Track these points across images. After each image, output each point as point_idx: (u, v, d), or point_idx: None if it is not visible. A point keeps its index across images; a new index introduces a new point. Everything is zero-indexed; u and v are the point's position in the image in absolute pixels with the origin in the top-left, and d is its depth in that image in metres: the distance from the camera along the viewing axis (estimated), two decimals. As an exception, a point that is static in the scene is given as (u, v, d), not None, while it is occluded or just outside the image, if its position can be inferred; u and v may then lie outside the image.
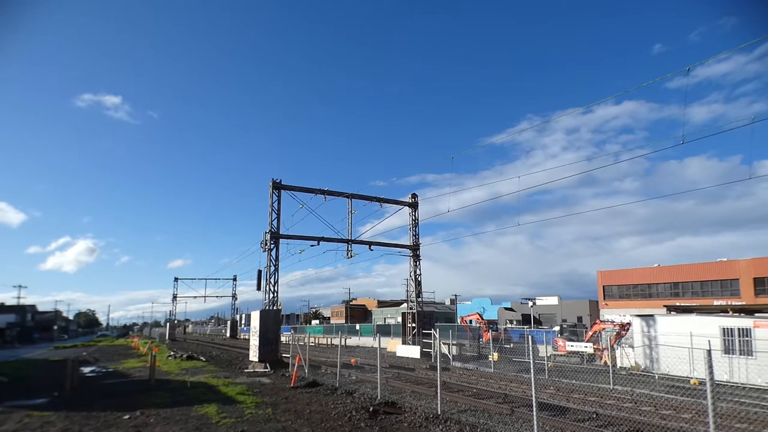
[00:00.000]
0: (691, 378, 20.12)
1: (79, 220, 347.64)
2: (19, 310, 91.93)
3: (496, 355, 27.88)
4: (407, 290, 37.66)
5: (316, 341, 57.77)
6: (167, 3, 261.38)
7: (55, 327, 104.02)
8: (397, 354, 35.03)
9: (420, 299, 36.11)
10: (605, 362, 25.17)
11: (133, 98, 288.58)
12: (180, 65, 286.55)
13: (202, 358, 33.51)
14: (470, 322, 39.51)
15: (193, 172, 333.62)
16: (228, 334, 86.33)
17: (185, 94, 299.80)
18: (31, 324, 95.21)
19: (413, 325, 35.22)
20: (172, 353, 36.93)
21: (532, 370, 9.48)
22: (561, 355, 29.64)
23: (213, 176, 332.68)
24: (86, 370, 25.68)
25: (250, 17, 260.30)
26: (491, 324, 38.86)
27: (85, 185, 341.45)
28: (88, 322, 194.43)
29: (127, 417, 12.20)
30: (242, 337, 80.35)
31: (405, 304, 48.62)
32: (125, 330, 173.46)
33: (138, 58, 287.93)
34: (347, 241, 33.58)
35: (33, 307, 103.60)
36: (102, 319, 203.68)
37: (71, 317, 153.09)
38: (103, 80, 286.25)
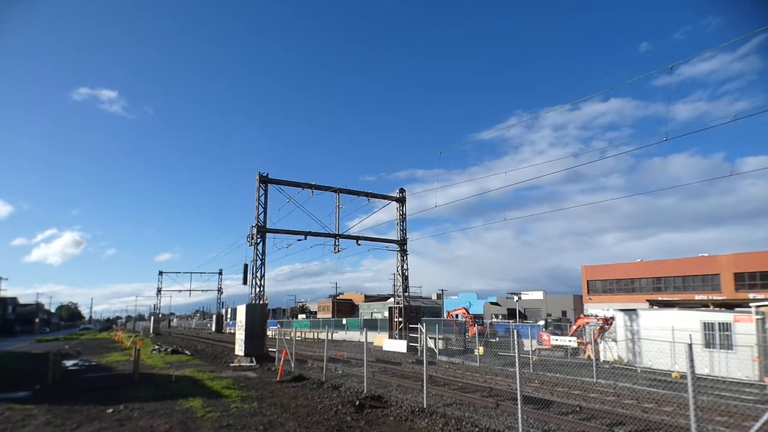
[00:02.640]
0: (673, 371, 20.46)
1: (68, 213, 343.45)
2: (0, 302, 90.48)
3: (481, 349, 28.07)
4: (394, 285, 37.78)
5: (303, 335, 57.71)
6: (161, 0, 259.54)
7: (37, 320, 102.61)
8: (384, 348, 35.11)
9: (407, 294, 36.20)
10: (589, 356, 25.48)
11: (130, 93, 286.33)
12: (172, 61, 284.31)
13: (187, 352, 33.25)
14: (456, 316, 39.74)
15: (182, 166, 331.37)
16: (213, 329, 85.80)
17: (177, 89, 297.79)
18: (12, 316, 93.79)
19: (400, 319, 35.32)
20: (156, 347, 36.60)
21: (517, 364, 9.55)
22: (546, 349, 29.93)
23: (202, 170, 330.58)
24: (68, 363, 25.35)
25: (239, 14, 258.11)
26: (477, 318, 39.08)
27: (76, 178, 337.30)
28: (70, 315, 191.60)
29: (110, 411, 12.08)
30: (228, 331, 79.94)
31: (392, 299, 48.75)
32: (108, 323, 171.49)
33: (135, 54, 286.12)
34: (335, 236, 33.51)
35: (14, 299, 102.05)
36: (85, 312, 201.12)
37: (53, 310, 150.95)
38: (101, 75, 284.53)
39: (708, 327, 21.54)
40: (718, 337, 21.08)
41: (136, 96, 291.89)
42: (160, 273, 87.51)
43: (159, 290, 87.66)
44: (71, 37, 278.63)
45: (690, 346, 7.53)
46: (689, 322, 21.75)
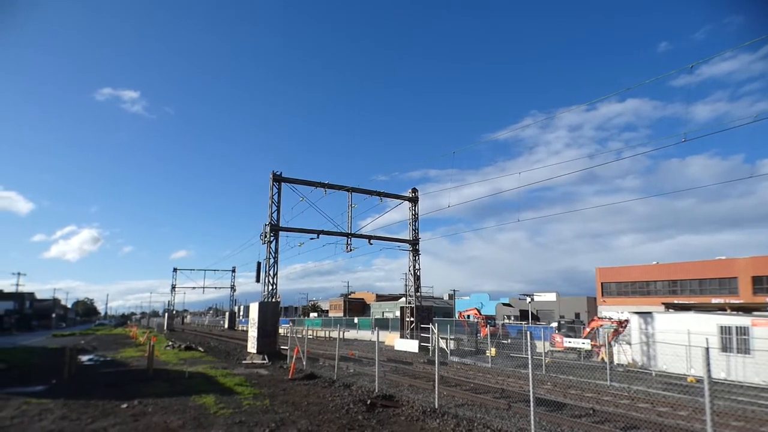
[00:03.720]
0: (689, 375, 20.18)
1: (87, 210, 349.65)
2: (18, 297, 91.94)
3: (493, 350, 27.92)
4: (406, 284, 37.71)
5: (314, 334, 57.84)
6: (181, 4, 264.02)
7: (54, 315, 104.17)
8: (395, 348, 35.10)
9: (418, 294, 36.15)
10: (602, 359, 25.21)
11: (151, 93, 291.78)
12: (190, 62, 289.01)
13: (200, 348, 33.55)
14: (468, 317, 39.55)
15: (199, 165, 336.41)
16: (226, 326, 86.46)
17: (194, 89, 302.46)
18: (29, 311, 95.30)
19: (411, 319, 35.27)
20: (170, 343, 36.99)
21: (530, 366, 9.48)
22: (558, 351, 29.69)
23: (218, 169, 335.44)
24: (84, 358, 25.71)
25: (256, 16, 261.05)
26: (489, 319, 38.87)
27: (96, 176, 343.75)
28: (86, 310, 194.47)
29: (125, 406, 12.22)
30: (240, 328, 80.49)
31: (403, 299, 48.70)
32: (123, 319, 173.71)
33: (157, 56, 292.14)
34: (347, 235, 33.56)
35: (31, 294, 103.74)
36: (100, 308, 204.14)
37: (69, 306, 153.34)
38: (124, 75, 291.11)
39: (725, 331, 21.21)
40: (735, 341, 20.75)
41: (158, 96, 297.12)
42: (175, 270, 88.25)
43: (173, 287, 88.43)
44: (96, 39, 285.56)
45: (707, 350, 7.43)
46: (706, 326, 21.44)
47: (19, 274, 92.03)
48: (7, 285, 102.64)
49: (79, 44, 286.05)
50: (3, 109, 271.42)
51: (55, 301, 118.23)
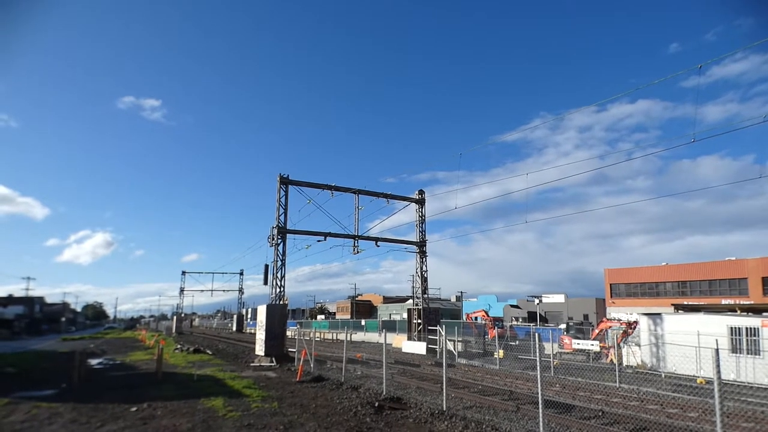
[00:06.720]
0: (698, 377, 20.03)
1: (101, 215, 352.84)
2: (28, 301, 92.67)
3: (501, 352, 27.85)
4: (413, 286, 37.69)
5: (322, 336, 57.93)
6: (190, 9, 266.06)
7: (63, 319, 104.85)
8: (403, 350, 35.07)
9: (426, 296, 36.10)
10: (611, 360, 25.09)
11: (172, 102, 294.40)
12: (209, 68, 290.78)
13: (208, 351, 33.67)
14: (476, 319, 39.51)
15: (210, 169, 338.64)
16: (234, 328, 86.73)
17: (210, 96, 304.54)
18: (39, 315, 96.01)
19: (419, 321, 35.23)
20: (178, 346, 37.15)
21: (538, 368, 9.45)
22: (567, 353, 29.56)
23: (229, 173, 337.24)
24: (94, 362, 25.88)
25: (263, 18, 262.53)
26: (497, 321, 38.76)
27: (112, 181, 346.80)
28: (95, 314, 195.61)
29: (134, 409, 12.29)
30: (248, 331, 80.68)
31: (411, 301, 48.66)
32: (132, 323, 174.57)
33: (179, 65, 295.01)
34: (354, 237, 33.59)
35: (41, 298, 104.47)
36: (110, 311, 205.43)
37: (79, 309, 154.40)
38: (147, 84, 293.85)
39: (735, 332, 21.04)
40: (745, 342, 20.58)
41: (178, 104, 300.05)
42: (183, 273, 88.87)
43: (182, 290, 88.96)
44: (121, 49, 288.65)
45: (717, 351, 7.39)
46: (715, 327, 21.28)
47: (29, 278, 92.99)
48: (18, 289, 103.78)
49: (103, 53, 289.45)
50: (25, 117, 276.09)
51: (65, 305, 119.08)
